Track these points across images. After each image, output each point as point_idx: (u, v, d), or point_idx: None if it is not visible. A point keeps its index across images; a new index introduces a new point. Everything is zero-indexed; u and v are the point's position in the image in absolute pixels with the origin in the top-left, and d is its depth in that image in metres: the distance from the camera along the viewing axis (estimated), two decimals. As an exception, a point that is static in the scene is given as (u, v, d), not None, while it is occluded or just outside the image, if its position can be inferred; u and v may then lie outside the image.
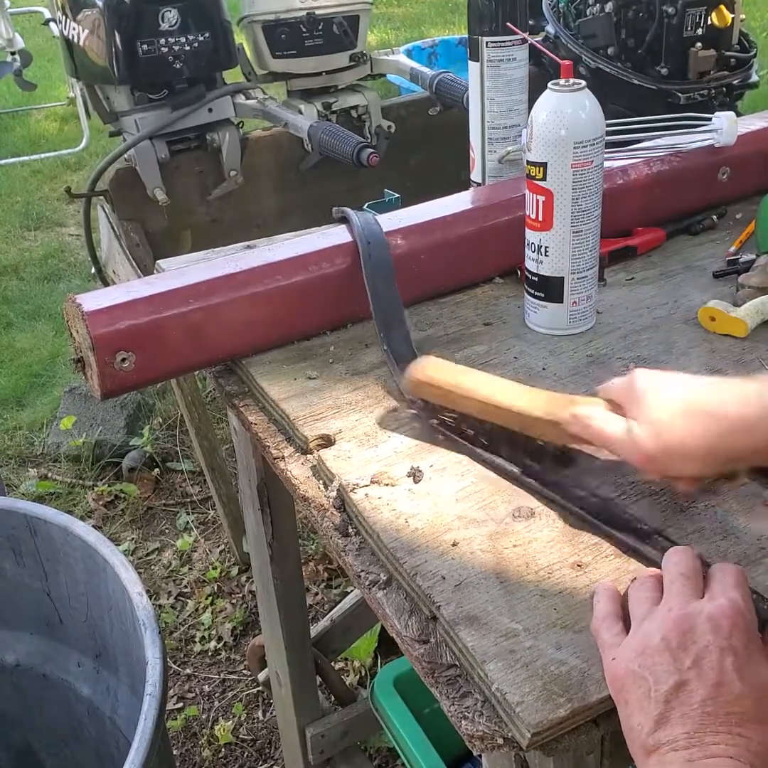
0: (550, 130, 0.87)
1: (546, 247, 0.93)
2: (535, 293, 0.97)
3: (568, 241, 0.92)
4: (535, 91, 1.21)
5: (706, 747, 0.52)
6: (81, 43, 1.93)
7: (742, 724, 0.53)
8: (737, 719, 0.53)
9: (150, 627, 1.01)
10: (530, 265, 0.96)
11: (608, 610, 0.62)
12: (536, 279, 0.96)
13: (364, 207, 1.23)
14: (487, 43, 1.08)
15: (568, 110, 0.87)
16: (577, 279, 0.94)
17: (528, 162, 0.91)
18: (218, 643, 1.91)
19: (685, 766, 0.52)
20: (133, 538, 2.19)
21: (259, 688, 1.77)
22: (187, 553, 2.13)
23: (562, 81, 0.89)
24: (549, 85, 0.89)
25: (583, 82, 0.88)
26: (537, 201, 0.91)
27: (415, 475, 0.78)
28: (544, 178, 0.90)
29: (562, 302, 0.95)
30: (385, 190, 1.30)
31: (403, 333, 0.93)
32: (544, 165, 0.89)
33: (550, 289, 0.95)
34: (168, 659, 1.78)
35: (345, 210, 1.03)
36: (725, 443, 0.68)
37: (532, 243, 0.94)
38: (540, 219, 0.92)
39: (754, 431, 0.67)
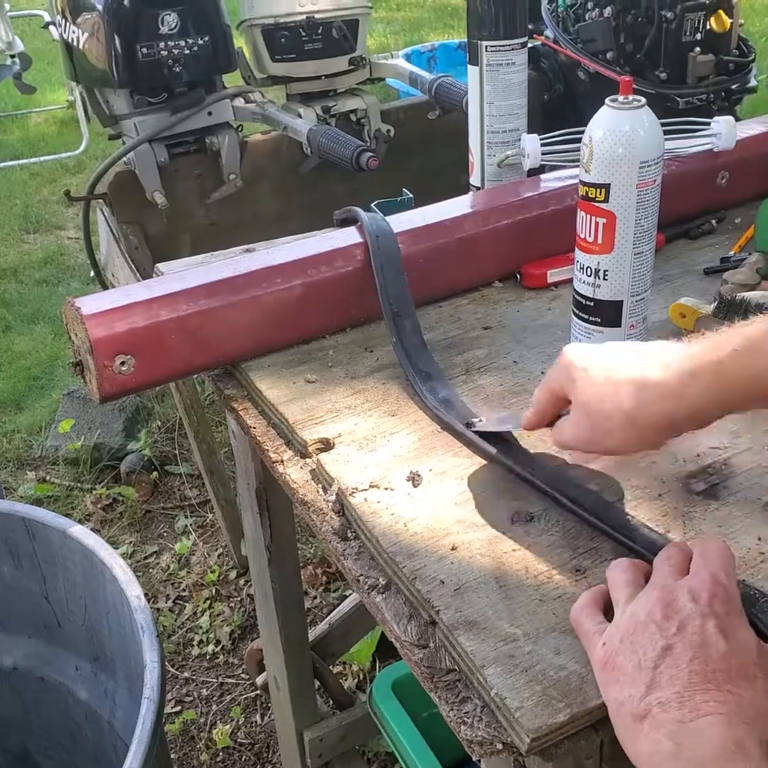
0: (613, 150, 0.83)
1: (605, 271, 0.88)
2: (589, 318, 0.91)
3: (629, 264, 0.88)
4: (533, 95, 1.21)
5: (697, 706, 0.53)
6: (80, 46, 1.93)
7: (730, 681, 0.54)
8: (724, 676, 0.54)
9: (148, 630, 1.00)
10: (583, 289, 0.91)
11: (586, 600, 0.63)
12: (591, 304, 0.90)
13: (373, 206, 1.23)
14: (486, 47, 1.08)
15: (631, 129, 0.83)
16: (636, 302, 0.90)
17: (585, 183, 0.86)
18: (216, 647, 1.91)
19: (677, 726, 0.53)
20: (131, 542, 2.19)
21: (258, 691, 1.77)
22: (186, 556, 2.13)
23: (621, 98, 0.84)
24: (607, 102, 0.84)
25: (643, 99, 0.84)
26: (595, 223, 0.86)
27: (415, 479, 0.78)
28: (605, 200, 0.85)
29: (619, 326, 0.91)
30: (403, 189, 1.29)
31: (413, 324, 0.94)
32: (606, 186, 0.84)
33: (607, 313, 0.90)
34: (166, 663, 1.78)
35: (351, 208, 1.03)
36: (647, 411, 0.67)
37: (588, 267, 0.89)
38: (599, 242, 0.87)
39: (673, 397, 0.66)
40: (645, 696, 0.55)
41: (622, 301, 0.90)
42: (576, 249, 0.91)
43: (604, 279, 0.89)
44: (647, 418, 0.68)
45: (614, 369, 0.69)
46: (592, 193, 0.86)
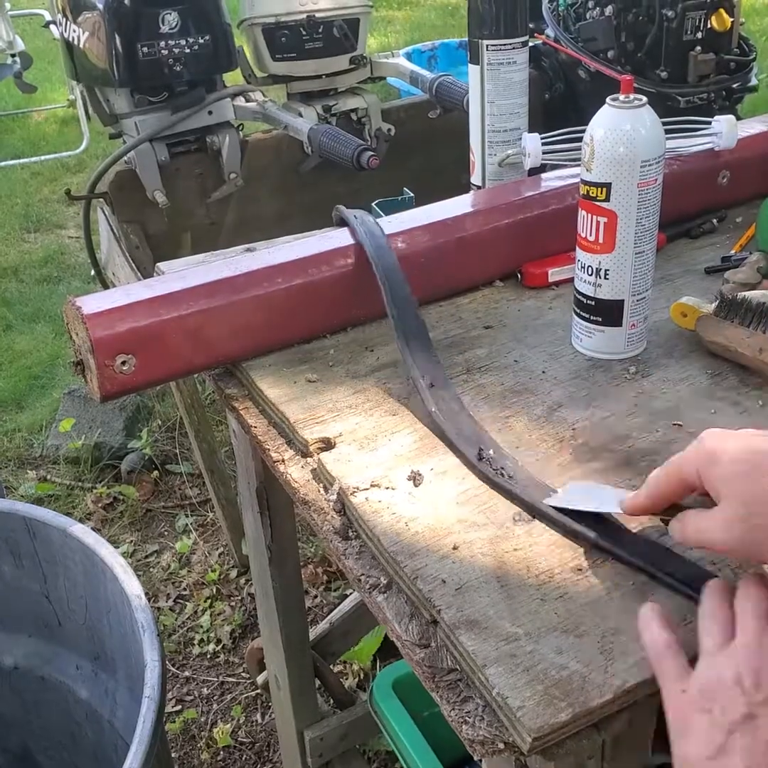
0: (615, 149, 0.83)
1: (606, 270, 0.88)
2: (590, 317, 0.91)
3: (630, 263, 0.88)
4: (534, 94, 1.21)
5: None
6: (81, 45, 1.93)
7: None
8: None
9: (149, 629, 1.01)
10: (584, 288, 0.91)
11: (668, 640, 0.60)
12: (593, 303, 0.90)
13: (373, 205, 1.23)
14: (487, 46, 1.08)
15: (632, 128, 0.82)
16: (637, 301, 0.90)
17: (586, 182, 0.86)
18: (217, 646, 1.91)
19: None
20: (132, 541, 2.19)
21: (258, 690, 1.77)
22: (186, 555, 2.13)
23: (622, 97, 0.84)
24: (608, 101, 0.84)
25: (644, 98, 0.84)
26: (597, 222, 0.86)
27: (416, 478, 0.78)
28: (606, 199, 0.85)
29: (620, 326, 0.91)
30: (404, 188, 1.29)
31: (419, 322, 0.93)
32: (607, 186, 0.84)
33: (608, 312, 0.90)
34: (167, 662, 1.78)
35: (340, 209, 1.02)
36: None
37: (589, 266, 0.89)
38: (600, 241, 0.87)
39: None
40: (713, 759, 0.53)
41: (623, 300, 0.89)
42: (577, 248, 0.91)
43: (605, 278, 0.89)
44: None
45: None
46: (593, 192, 0.86)
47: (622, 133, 0.82)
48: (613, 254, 0.87)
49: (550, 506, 0.73)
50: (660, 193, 0.86)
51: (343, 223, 1.03)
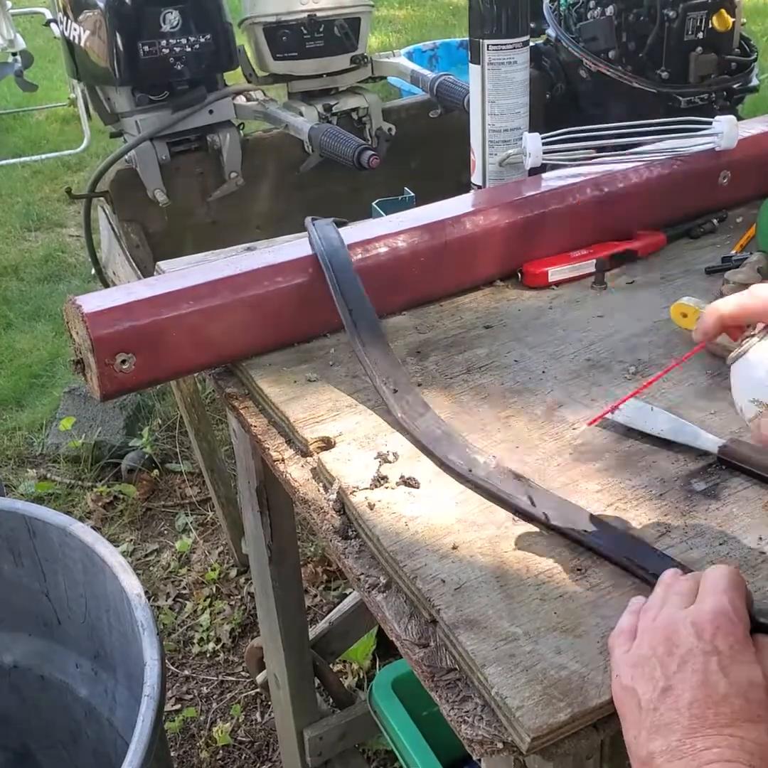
0: None
1: None
2: None
3: None
4: (535, 94, 1.21)
5: (699, 754, 0.51)
6: (82, 44, 1.93)
7: (732, 724, 0.52)
8: (727, 719, 0.52)
9: (148, 628, 1.01)
10: None
11: (624, 626, 0.61)
12: None
13: (374, 205, 1.23)
14: (488, 45, 1.08)
15: None
16: None
17: None
18: (217, 645, 1.91)
19: None
20: (131, 539, 2.19)
21: (258, 689, 1.77)
22: (186, 554, 2.13)
23: None
24: None
25: None
26: None
27: (416, 478, 0.78)
28: None
29: None
30: (405, 188, 1.29)
31: (377, 329, 0.92)
32: None
33: None
34: (166, 660, 1.78)
35: (306, 224, 1.01)
36: None
37: None
38: None
39: None
40: (647, 742, 0.53)
41: None
42: None
43: None
44: None
45: None
46: None
47: None
48: None
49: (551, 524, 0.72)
50: None
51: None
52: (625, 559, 0.68)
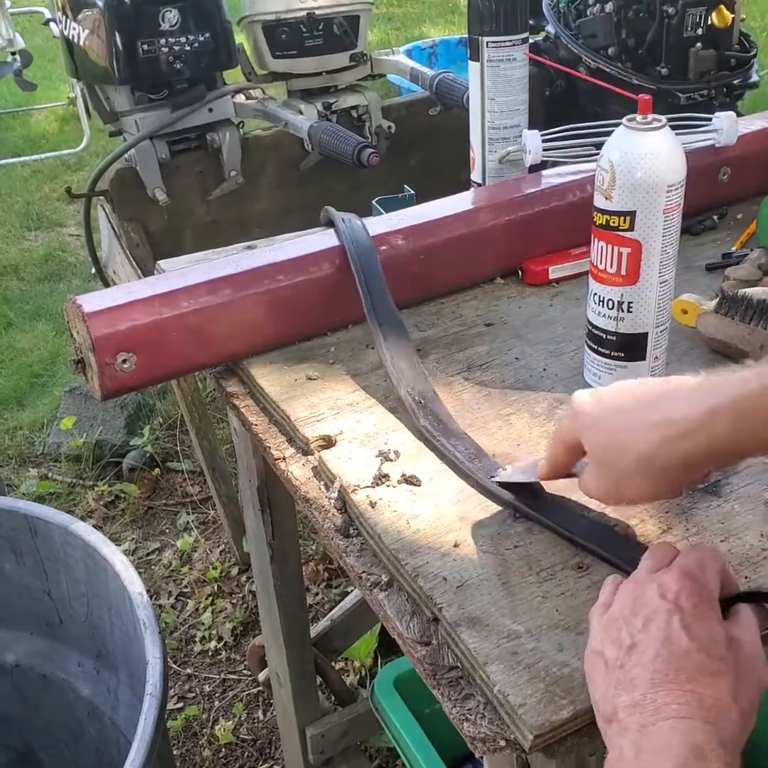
0: (640, 175, 0.77)
1: (629, 303, 0.83)
2: (611, 353, 0.86)
3: (655, 294, 0.83)
4: (534, 91, 1.21)
5: (658, 710, 0.52)
6: (81, 43, 1.93)
7: (692, 679, 0.53)
8: (687, 675, 0.53)
9: (150, 627, 1.01)
10: (603, 323, 0.85)
11: (601, 600, 0.63)
12: (613, 338, 0.85)
13: (374, 202, 1.23)
14: (487, 43, 1.08)
15: (656, 151, 0.77)
16: (660, 332, 0.85)
17: (605, 212, 0.80)
18: (218, 643, 1.91)
19: (639, 733, 0.52)
20: (133, 538, 2.19)
21: (260, 688, 1.77)
22: (188, 553, 2.13)
23: (639, 117, 0.78)
24: (625, 123, 0.79)
25: (664, 119, 0.79)
26: (618, 253, 0.81)
27: (417, 476, 0.78)
28: (630, 229, 0.79)
29: (644, 360, 0.86)
30: (405, 186, 1.29)
31: (404, 336, 0.92)
32: (631, 214, 0.79)
33: (631, 347, 0.85)
34: (168, 659, 1.79)
35: (329, 211, 1.02)
36: (669, 451, 0.61)
37: (610, 300, 0.83)
38: (622, 273, 0.81)
39: (701, 432, 0.60)
40: (613, 698, 0.54)
41: (646, 332, 0.85)
42: (592, 280, 0.86)
43: (629, 311, 0.83)
44: (667, 459, 0.62)
45: (629, 412, 0.64)
46: (614, 222, 0.80)
47: (645, 157, 0.77)
48: (636, 286, 0.82)
49: (495, 482, 0.76)
50: (681, 217, 0.82)
51: (331, 224, 1.03)
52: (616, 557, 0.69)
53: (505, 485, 0.76)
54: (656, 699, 0.53)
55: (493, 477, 0.77)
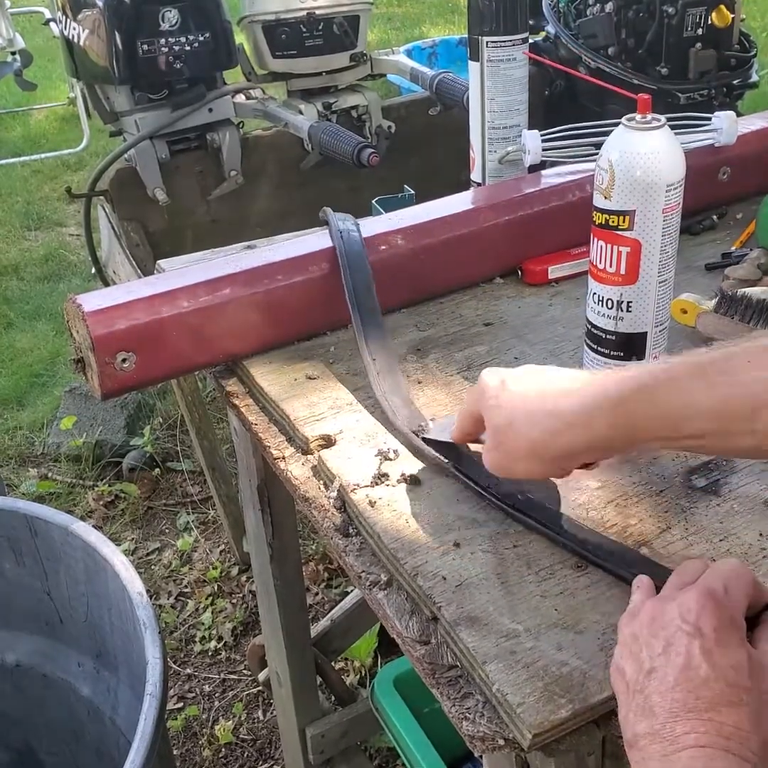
0: (638, 174, 0.78)
1: (628, 303, 0.83)
2: (610, 353, 0.86)
3: (654, 293, 0.83)
4: (534, 91, 1.21)
5: (677, 739, 0.51)
6: (81, 43, 1.93)
7: (712, 708, 0.52)
8: (706, 704, 0.52)
9: (150, 627, 1.01)
10: (602, 322, 0.85)
11: (631, 609, 0.61)
12: (613, 337, 0.85)
13: (374, 202, 1.23)
14: (487, 43, 1.08)
15: (655, 150, 0.78)
16: (659, 332, 0.86)
17: (604, 211, 0.81)
18: (218, 643, 1.91)
19: (661, 762, 0.51)
20: (133, 538, 2.19)
21: (260, 687, 1.77)
22: (188, 553, 2.13)
23: (638, 117, 0.79)
24: (624, 122, 0.79)
25: (663, 118, 0.79)
26: (617, 253, 0.81)
27: (416, 475, 0.78)
28: (630, 228, 0.80)
29: (643, 358, 0.86)
30: (405, 186, 1.29)
31: (387, 345, 0.93)
32: (630, 213, 0.79)
33: (631, 346, 0.85)
34: (168, 659, 1.79)
35: (326, 212, 1.02)
36: (553, 441, 0.66)
37: (610, 299, 0.83)
38: (622, 272, 0.82)
39: (580, 427, 0.64)
40: (634, 724, 0.54)
41: (646, 332, 0.85)
42: (591, 279, 0.86)
43: (628, 311, 0.83)
44: (552, 449, 0.66)
45: (527, 396, 0.68)
46: (613, 221, 0.80)
47: (645, 156, 0.78)
48: (636, 285, 0.82)
49: (422, 437, 0.81)
50: (680, 216, 0.82)
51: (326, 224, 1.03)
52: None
53: (429, 442, 0.80)
54: (675, 728, 0.52)
55: (420, 432, 0.81)
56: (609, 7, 2.05)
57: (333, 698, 1.53)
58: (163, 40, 1.86)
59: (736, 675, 0.53)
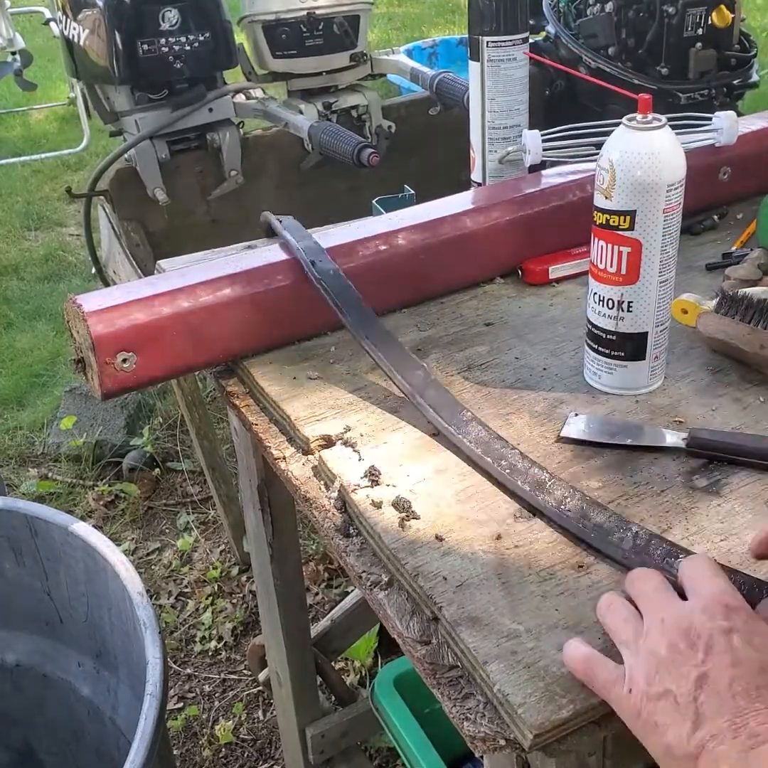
0: (639, 174, 0.77)
1: (629, 303, 0.83)
2: (611, 353, 0.86)
3: (655, 293, 0.83)
4: (534, 91, 1.21)
5: (754, 732, 0.50)
6: (81, 43, 1.93)
7: None
8: None
9: (150, 627, 1.01)
10: (603, 322, 0.85)
11: (587, 651, 0.60)
12: (613, 337, 0.85)
13: (374, 202, 1.23)
14: (487, 42, 1.08)
15: (656, 150, 0.77)
16: (660, 332, 0.85)
17: (605, 211, 0.81)
18: (219, 643, 1.91)
19: (740, 757, 0.49)
20: (133, 538, 2.19)
21: (260, 687, 1.77)
22: (188, 552, 2.13)
23: (639, 116, 0.78)
24: (625, 122, 0.79)
25: (663, 118, 0.79)
26: (618, 253, 0.81)
27: (417, 475, 0.78)
28: (630, 228, 0.79)
29: (644, 359, 0.86)
30: (405, 185, 1.29)
31: (391, 338, 0.91)
32: (631, 213, 0.79)
33: (631, 346, 0.85)
34: (168, 659, 1.79)
35: (267, 216, 1.01)
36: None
37: (610, 299, 0.83)
38: (622, 272, 0.82)
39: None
40: (693, 733, 0.51)
41: (646, 332, 0.85)
42: (591, 279, 0.86)
43: (628, 311, 0.83)
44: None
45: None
46: (614, 221, 0.80)
47: (645, 156, 0.78)
48: (637, 285, 0.82)
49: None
50: (681, 216, 0.82)
51: (272, 233, 1.03)
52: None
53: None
54: (747, 723, 0.50)
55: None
56: (609, 7, 2.06)
57: (333, 698, 1.53)
58: (163, 40, 1.86)
59: None
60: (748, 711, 0.51)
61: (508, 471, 0.77)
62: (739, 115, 1.21)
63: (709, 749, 0.51)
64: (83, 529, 1.15)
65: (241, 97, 2.07)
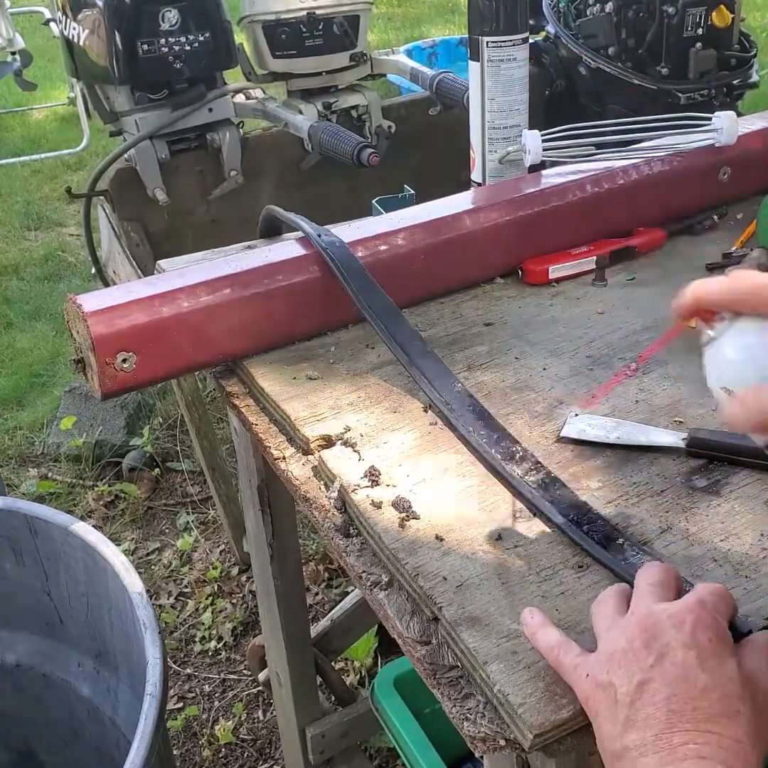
0: None
1: None
2: None
3: None
4: (534, 91, 1.21)
5: (675, 749, 0.50)
6: (81, 43, 1.93)
7: (710, 720, 0.51)
8: (704, 715, 0.51)
9: (150, 627, 1.01)
10: None
11: (557, 637, 0.60)
12: None
13: (374, 202, 1.23)
14: (487, 43, 1.08)
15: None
16: None
17: None
18: (218, 643, 1.91)
19: None
20: (133, 538, 2.19)
21: (260, 688, 1.77)
22: (188, 553, 2.13)
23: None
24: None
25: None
26: None
27: (417, 475, 0.78)
28: None
29: None
30: (405, 185, 1.29)
31: (406, 326, 0.92)
32: None
33: None
34: (168, 659, 1.79)
35: (272, 208, 1.02)
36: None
37: None
38: None
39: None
40: (622, 736, 0.52)
41: None
42: None
43: None
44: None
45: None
46: None
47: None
48: None
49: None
50: None
51: (276, 231, 1.03)
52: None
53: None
54: (672, 739, 0.50)
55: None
56: (609, 7, 2.05)
57: (333, 698, 1.53)
58: (163, 40, 1.86)
59: (731, 686, 0.53)
60: (677, 730, 0.51)
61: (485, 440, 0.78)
62: (739, 115, 1.21)
63: (631, 757, 0.51)
64: (83, 529, 1.15)
65: (241, 97, 2.07)
